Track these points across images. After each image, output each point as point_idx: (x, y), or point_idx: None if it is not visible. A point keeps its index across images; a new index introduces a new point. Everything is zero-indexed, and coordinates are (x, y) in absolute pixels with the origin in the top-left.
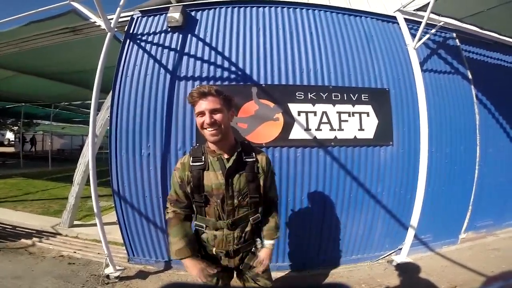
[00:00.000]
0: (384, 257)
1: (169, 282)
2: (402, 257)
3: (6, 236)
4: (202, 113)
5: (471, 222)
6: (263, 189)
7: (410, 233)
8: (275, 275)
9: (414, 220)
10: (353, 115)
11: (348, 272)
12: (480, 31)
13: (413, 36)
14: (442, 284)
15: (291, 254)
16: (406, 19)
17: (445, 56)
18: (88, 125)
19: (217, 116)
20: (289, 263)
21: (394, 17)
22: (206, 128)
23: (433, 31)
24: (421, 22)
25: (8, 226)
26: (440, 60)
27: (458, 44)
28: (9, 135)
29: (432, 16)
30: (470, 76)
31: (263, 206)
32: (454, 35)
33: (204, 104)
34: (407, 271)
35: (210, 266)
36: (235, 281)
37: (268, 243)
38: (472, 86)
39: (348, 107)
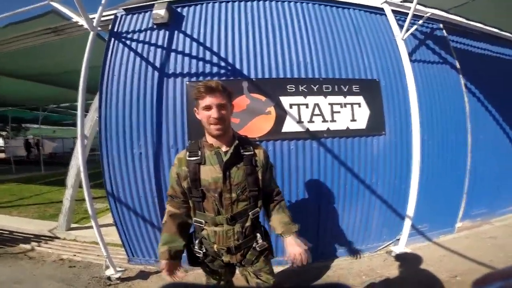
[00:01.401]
0: (383, 247)
1: (170, 282)
2: (400, 248)
3: (4, 242)
4: (209, 108)
5: (466, 210)
6: (262, 182)
7: (407, 223)
8: (275, 269)
9: (410, 209)
10: (345, 106)
11: (348, 263)
12: (467, 21)
13: (401, 27)
14: (442, 274)
15: None
16: (393, 11)
17: (433, 46)
18: None
19: (224, 112)
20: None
21: (382, 9)
22: (212, 123)
23: (420, 22)
24: (408, 13)
25: (5, 232)
26: (428, 51)
27: (446, 34)
28: None
29: (419, 7)
30: (458, 66)
31: (267, 199)
32: (441, 26)
33: (211, 99)
34: (407, 261)
35: (180, 271)
36: (237, 277)
37: (290, 237)
38: (461, 76)
39: (339, 99)
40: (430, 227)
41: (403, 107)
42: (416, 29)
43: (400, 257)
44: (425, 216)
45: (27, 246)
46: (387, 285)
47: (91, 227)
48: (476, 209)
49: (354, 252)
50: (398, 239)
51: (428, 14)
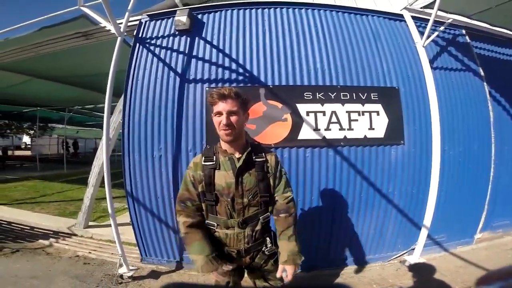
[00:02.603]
0: (397, 257)
1: (175, 282)
2: (415, 258)
3: (24, 237)
4: (220, 113)
5: (487, 221)
6: (273, 188)
7: (423, 233)
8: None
9: (427, 220)
10: (363, 114)
11: (360, 272)
12: (491, 27)
13: (421, 34)
14: (456, 285)
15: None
16: (413, 17)
17: (455, 53)
18: (101, 129)
19: (233, 118)
20: None
21: (401, 15)
22: (221, 129)
23: (441, 28)
24: (429, 19)
25: (26, 227)
26: (450, 58)
27: (468, 41)
28: (26, 139)
29: (440, 13)
30: (482, 73)
31: (277, 213)
32: (464, 32)
33: (222, 106)
34: (420, 272)
35: (226, 265)
36: (245, 280)
37: (290, 267)
38: (485, 83)
39: (357, 106)
40: (447, 238)
41: (423, 116)
42: (437, 36)
43: (413, 267)
44: (443, 226)
45: (46, 242)
46: None
47: (107, 225)
48: (498, 221)
49: (366, 261)
50: (413, 249)
51: (449, 20)
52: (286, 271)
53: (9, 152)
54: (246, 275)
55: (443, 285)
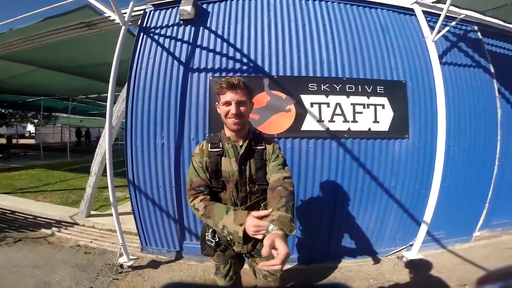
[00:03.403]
0: (395, 252)
1: (171, 282)
2: (413, 253)
3: (27, 226)
4: (228, 103)
5: (486, 220)
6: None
7: (423, 229)
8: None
9: (428, 216)
10: (368, 107)
11: (357, 266)
12: (504, 24)
13: (432, 28)
14: (452, 282)
15: (300, 246)
16: (424, 11)
17: (466, 49)
18: (104, 118)
19: (242, 108)
20: (297, 255)
21: (412, 9)
22: (230, 118)
23: (453, 23)
24: (440, 14)
25: (29, 216)
26: (460, 53)
27: (480, 37)
28: (30, 128)
29: (452, 8)
30: (492, 70)
31: (270, 191)
32: (476, 28)
33: (231, 95)
34: (417, 268)
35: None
36: (244, 271)
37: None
38: (495, 80)
39: (362, 99)
40: (446, 235)
41: (429, 111)
42: (448, 31)
43: (411, 263)
44: (442, 223)
45: (48, 231)
46: None
47: (109, 215)
48: (498, 219)
49: (364, 255)
50: (412, 245)
51: (461, 16)
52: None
53: (14, 141)
54: (246, 264)
55: (439, 282)
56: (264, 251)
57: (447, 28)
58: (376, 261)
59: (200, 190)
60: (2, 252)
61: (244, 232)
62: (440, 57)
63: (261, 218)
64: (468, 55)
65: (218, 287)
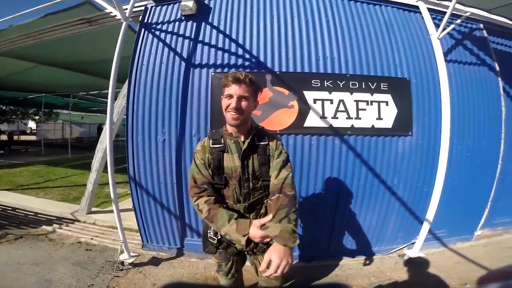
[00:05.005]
0: (396, 250)
1: (170, 282)
2: (414, 252)
3: (28, 223)
4: (230, 96)
5: (488, 219)
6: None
7: (425, 227)
8: None
9: (430, 214)
10: (371, 104)
11: (358, 264)
12: (510, 22)
13: (437, 26)
14: (452, 281)
15: (301, 243)
16: (429, 9)
17: (471, 47)
18: (104, 114)
19: (243, 103)
20: (298, 253)
21: (416, 7)
22: (229, 111)
23: (458, 21)
24: (445, 12)
25: (30, 213)
26: (465, 51)
27: (486, 35)
28: (31, 124)
29: (458, 6)
30: (497, 68)
31: (270, 197)
32: (481, 26)
33: (234, 89)
34: (418, 266)
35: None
36: (245, 268)
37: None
38: (500, 79)
39: (366, 96)
40: (448, 233)
41: (433, 109)
42: (453, 29)
43: (412, 261)
44: (444, 222)
45: (49, 228)
46: None
47: (110, 211)
48: (499, 218)
49: (365, 253)
50: (413, 243)
51: (467, 14)
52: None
53: (15, 137)
54: (248, 262)
55: (439, 280)
56: (261, 268)
57: (452, 26)
58: (377, 259)
59: (204, 188)
60: (3, 249)
61: (247, 239)
62: (445, 54)
63: (263, 224)
64: (473, 53)
65: (218, 286)
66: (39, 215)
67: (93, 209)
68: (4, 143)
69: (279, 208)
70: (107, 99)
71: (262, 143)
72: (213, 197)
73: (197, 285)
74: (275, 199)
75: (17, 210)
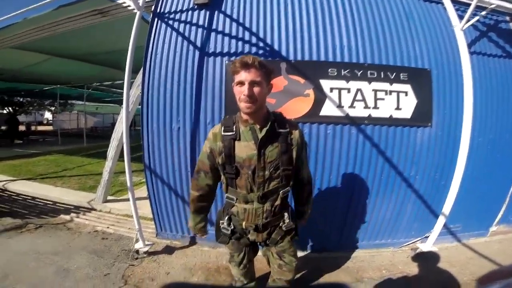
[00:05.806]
0: (409, 244)
1: (171, 282)
2: (427, 246)
3: (47, 212)
4: (241, 83)
5: (505, 215)
6: (296, 161)
7: (440, 221)
8: None
9: (447, 207)
10: (390, 94)
11: (370, 256)
12: None
13: (460, 17)
14: (464, 276)
15: (313, 234)
16: (452, 0)
17: (496, 39)
18: (118, 104)
19: (256, 89)
20: (310, 243)
21: None
22: (242, 100)
23: (483, 13)
24: (468, 3)
25: (49, 202)
26: (490, 43)
27: None
28: (48, 115)
29: None
30: None
31: (297, 185)
32: (508, 18)
33: (245, 75)
34: (430, 260)
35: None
36: (257, 259)
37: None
38: None
39: (385, 85)
40: (462, 228)
41: (454, 100)
42: (478, 20)
43: (424, 255)
44: (460, 216)
45: (67, 217)
46: (404, 282)
47: (125, 200)
48: None
49: (378, 246)
50: (427, 237)
51: (492, 6)
52: None
53: (32, 128)
54: (260, 252)
55: (451, 276)
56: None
57: (476, 18)
58: (390, 252)
59: (199, 176)
60: (25, 238)
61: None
62: (469, 46)
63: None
64: (499, 46)
65: (219, 286)
66: (57, 204)
67: (109, 197)
68: (23, 134)
69: (309, 195)
70: (120, 89)
71: (283, 130)
72: (197, 194)
73: (196, 285)
74: (307, 189)
75: (36, 199)
